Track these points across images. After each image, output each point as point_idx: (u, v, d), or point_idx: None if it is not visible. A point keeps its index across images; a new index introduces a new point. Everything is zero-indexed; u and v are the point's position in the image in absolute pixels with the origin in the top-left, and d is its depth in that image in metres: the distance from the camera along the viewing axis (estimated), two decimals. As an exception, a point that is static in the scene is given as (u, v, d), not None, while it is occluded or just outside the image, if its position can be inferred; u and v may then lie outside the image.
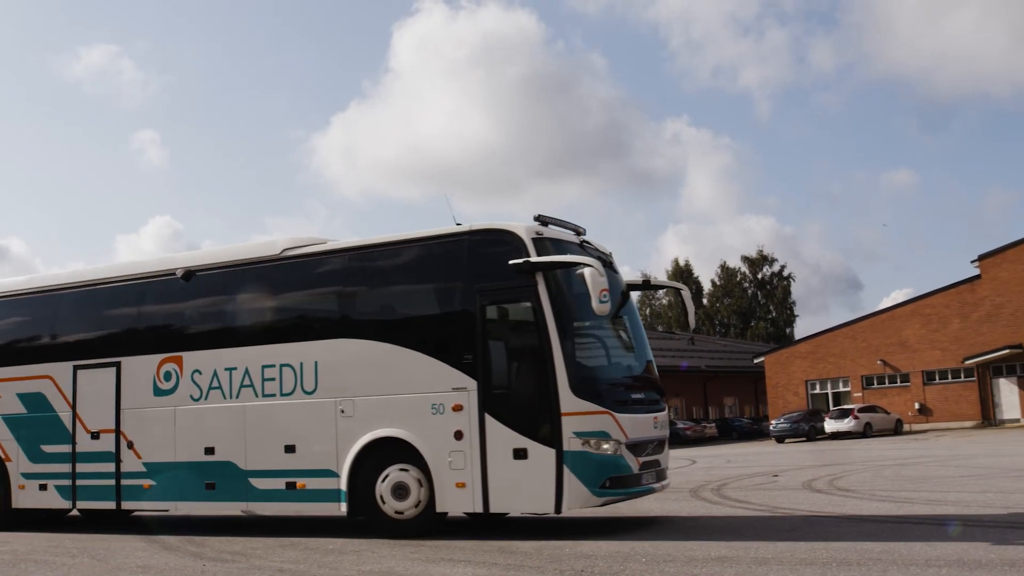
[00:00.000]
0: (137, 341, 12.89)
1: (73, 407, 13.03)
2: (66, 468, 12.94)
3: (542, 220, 10.97)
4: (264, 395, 11.67)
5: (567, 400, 9.91)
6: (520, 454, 10.07)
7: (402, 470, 10.61)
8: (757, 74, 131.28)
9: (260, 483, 11.55)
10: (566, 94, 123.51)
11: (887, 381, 49.29)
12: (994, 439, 32.58)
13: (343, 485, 10.92)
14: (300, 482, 11.26)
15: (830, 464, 22.28)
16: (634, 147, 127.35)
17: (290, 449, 11.38)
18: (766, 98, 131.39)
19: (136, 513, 14.12)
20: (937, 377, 47.74)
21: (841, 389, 50.81)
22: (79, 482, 12.86)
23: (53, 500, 13.08)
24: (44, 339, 13.87)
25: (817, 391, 51.77)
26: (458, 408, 10.43)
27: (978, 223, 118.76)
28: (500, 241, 10.65)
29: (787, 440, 43.72)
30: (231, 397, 11.89)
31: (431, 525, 10.60)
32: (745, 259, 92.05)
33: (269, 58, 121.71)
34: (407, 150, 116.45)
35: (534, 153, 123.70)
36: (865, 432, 42.73)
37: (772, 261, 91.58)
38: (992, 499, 12.28)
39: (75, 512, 13.86)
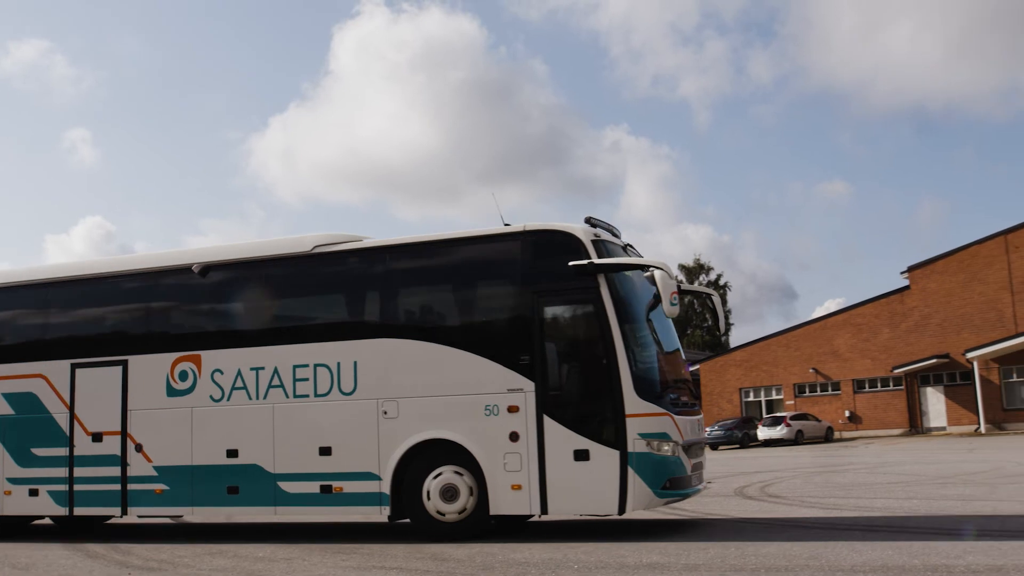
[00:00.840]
0: (147, 339, 12.40)
1: (71, 408, 12.39)
2: (62, 472, 12.30)
3: (591, 222, 10.97)
4: (296, 396, 11.30)
5: (631, 402, 9.95)
6: (581, 455, 10.06)
7: (453, 472, 10.49)
8: (696, 84, 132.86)
9: (290, 487, 11.17)
10: (507, 100, 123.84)
11: (819, 389, 50.18)
12: (920, 447, 33.32)
13: (386, 488, 10.72)
14: (337, 485, 10.96)
15: (762, 471, 22.58)
16: (574, 154, 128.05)
17: (325, 451, 11.05)
18: (705, 108, 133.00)
19: (145, 519, 13.61)
20: (867, 386, 48.70)
21: (774, 397, 51.58)
22: (77, 487, 12.22)
23: (46, 506, 12.42)
24: (37, 336, 13.14)
25: (751, 399, 52.50)
26: (514, 409, 10.36)
27: (910, 234, 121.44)
28: (558, 242, 10.59)
29: (721, 447, 44.25)
30: (258, 398, 11.46)
31: (479, 527, 10.49)
32: (682, 267, 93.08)
33: (206, 57, 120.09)
34: (346, 153, 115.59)
35: (474, 159, 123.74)
36: (797, 439, 43.40)
37: (709, 270, 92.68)
38: (917, 505, 12.54)
39: (47, 520, 13.38)
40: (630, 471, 9.86)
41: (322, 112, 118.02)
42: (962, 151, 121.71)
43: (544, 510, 10.21)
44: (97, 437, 12.22)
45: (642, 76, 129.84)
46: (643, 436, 9.92)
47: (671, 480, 10.15)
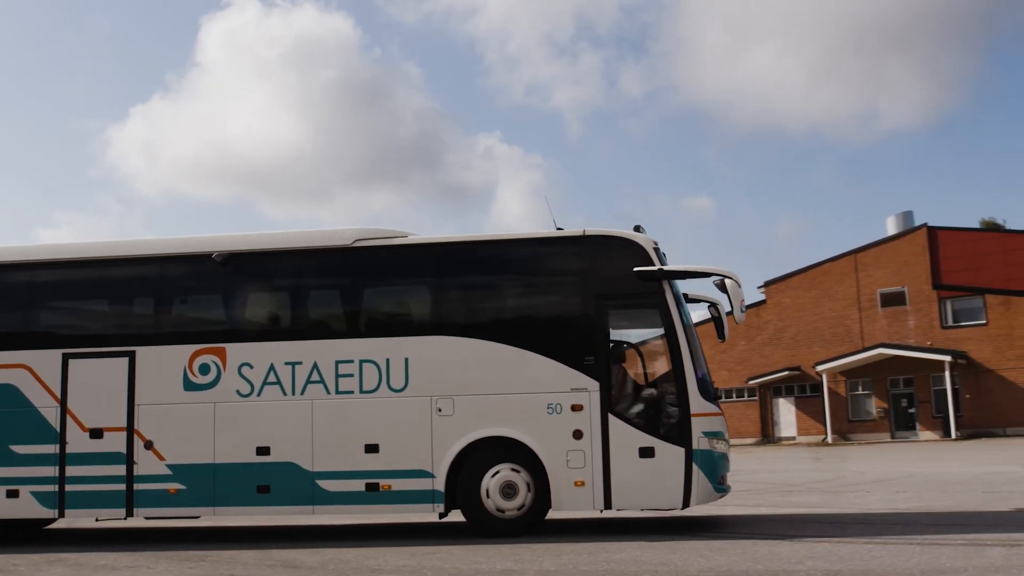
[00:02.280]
0: (160, 329, 11.75)
1: (62, 402, 11.49)
2: (49, 472, 11.36)
3: (639, 229, 11.31)
4: (339, 392, 11.08)
5: (696, 402, 10.57)
6: (647, 453, 10.54)
7: (511, 470, 10.70)
8: (569, 95, 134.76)
9: (331, 485, 10.92)
10: (380, 102, 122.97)
11: (678, 399, 51.43)
12: (771, 456, 34.57)
13: (440, 486, 10.75)
14: (385, 483, 10.83)
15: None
16: (446, 159, 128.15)
17: (372, 449, 10.91)
18: (577, 119, 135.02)
19: (154, 520, 12.54)
20: (723, 396, 50.26)
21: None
22: (69, 487, 11.32)
23: (27, 508, 11.39)
24: (19, 322, 12.08)
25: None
26: (578, 408, 10.69)
27: (769, 251, 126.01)
28: (622, 248, 11.05)
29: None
30: (294, 393, 11.12)
31: (536, 524, 10.76)
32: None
33: (63, 40, 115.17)
34: (212, 148, 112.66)
35: (345, 159, 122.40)
36: (656, 447, 44.34)
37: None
38: (764, 512, 12.97)
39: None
40: (694, 467, 10.47)
41: (187, 105, 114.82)
42: (820, 172, 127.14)
43: (608, 505, 10.61)
44: (96, 433, 11.38)
45: (516, 84, 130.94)
46: (706, 435, 10.57)
47: (722, 476, 10.85)
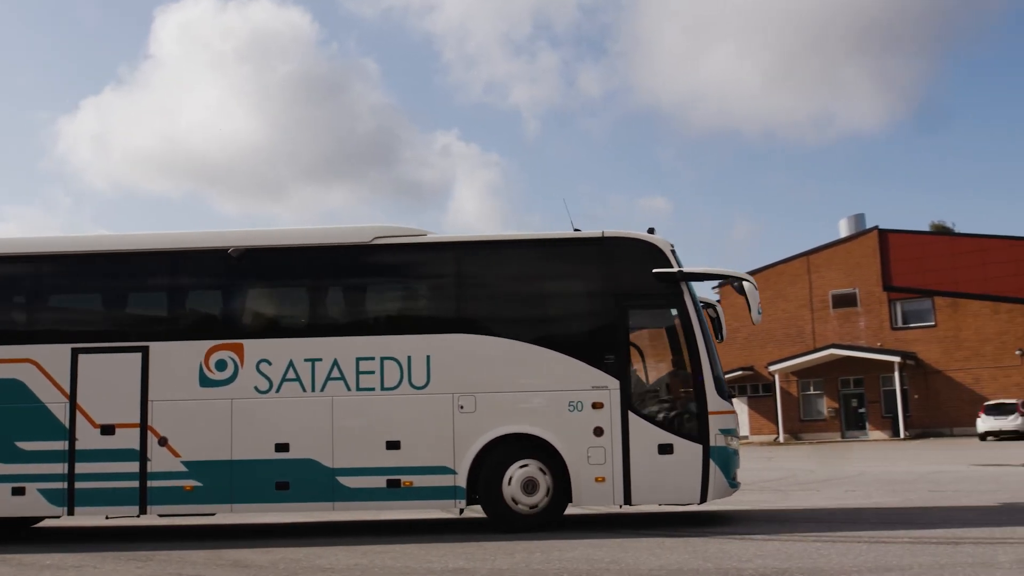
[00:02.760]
0: (174, 325, 11.62)
1: (71, 397, 11.20)
2: (58, 469, 11.08)
3: (652, 231, 11.60)
4: (360, 389, 11.10)
5: (713, 400, 10.91)
6: (665, 449, 10.83)
7: (532, 466, 10.90)
8: (527, 94, 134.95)
9: (351, 481, 10.93)
10: (337, 97, 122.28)
11: (633, 398, 51.70)
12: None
13: (461, 482, 10.88)
14: (406, 479, 10.91)
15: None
16: (403, 157, 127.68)
17: (393, 445, 10.96)
18: (535, 118, 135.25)
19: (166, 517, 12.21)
20: (677, 395, 50.53)
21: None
22: (79, 484, 11.06)
23: (34, 506, 11.12)
24: (26, 315, 11.87)
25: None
26: (599, 406, 10.94)
27: (724, 252, 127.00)
28: (641, 250, 11.35)
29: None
30: (314, 390, 11.11)
31: (555, 519, 10.96)
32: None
33: (13, 30, 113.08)
34: (164, 142, 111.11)
35: (300, 155, 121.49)
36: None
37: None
38: (715, 511, 13.05)
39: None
40: (712, 464, 10.81)
41: (140, 97, 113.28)
42: (775, 174, 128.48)
43: (628, 501, 10.86)
44: (108, 430, 11.14)
45: (474, 82, 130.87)
46: (722, 432, 10.93)
47: (735, 472, 11.26)
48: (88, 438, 11.14)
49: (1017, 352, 44.51)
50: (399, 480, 10.92)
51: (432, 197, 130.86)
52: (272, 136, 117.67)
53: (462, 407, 11.02)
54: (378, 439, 10.99)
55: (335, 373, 11.15)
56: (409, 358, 11.13)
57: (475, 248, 11.76)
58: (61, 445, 11.14)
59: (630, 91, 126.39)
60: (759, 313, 11.22)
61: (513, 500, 10.88)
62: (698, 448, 10.83)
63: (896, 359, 44.84)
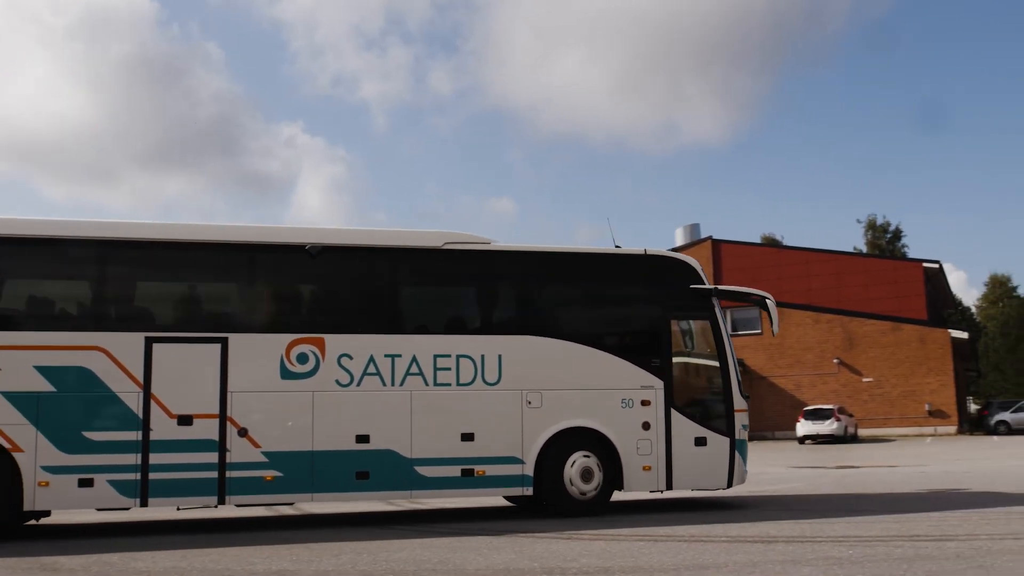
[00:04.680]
0: (255, 317, 11.76)
1: (145, 387, 10.93)
2: (130, 459, 10.78)
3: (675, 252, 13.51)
4: (436, 384, 11.78)
5: (738, 399, 12.67)
6: (700, 442, 12.45)
7: (588, 456, 12.10)
8: (377, 88, 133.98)
9: (428, 471, 11.60)
10: (176, 82, 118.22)
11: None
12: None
13: (529, 471, 11.89)
14: (479, 469, 11.74)
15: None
16: (246, 147, 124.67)
17: (468, 437, 11.77)
18: (384, 113, 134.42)
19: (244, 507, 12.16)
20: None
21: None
22: (153, 475, 10.81)
23: (104, 497, 10.75)
24: (98, 302, 11.40)
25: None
26: (646, 403, 12.37)
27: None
28: (680, 268, 12.96)
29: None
30: (393, 384, 11.67)
31: (604, 505, 12.21)
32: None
33: None
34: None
35: (135, 140, 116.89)
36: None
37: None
38: (538, 514, 13.24)
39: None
40: (736, 454, 12.56)
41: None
42: (619, 181, 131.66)
43: (669, 487, 12.37)
44: (185, 420, 11.00)
45: (322, 74, 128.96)
46: (744, 427, 12.67)
47: (746, 462, 12.84)
48: (163, 428, 10.98)
49: (835, 360, 47.04)
50: (473, 470, 11.76)
51: (275, 190, 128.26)
52: (104, 118, 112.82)
53: (530, 402, 12.04)
54: (454, 431, 11.76)
55: (414, 369, 11.77)
56: (482, 356, 11.98)
57: (539, 258, 12.72)
58: (134, 435, 10.90)
59: (480, 91, 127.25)
60: (776, 326, 13.06)
61: (573, 487, 12.03)
62: (726, 441, 12.53)
63: (725, 365, 46.51)
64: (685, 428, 12.43)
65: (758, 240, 76.06)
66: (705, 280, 12.96)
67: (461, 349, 11.94)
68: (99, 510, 11.45)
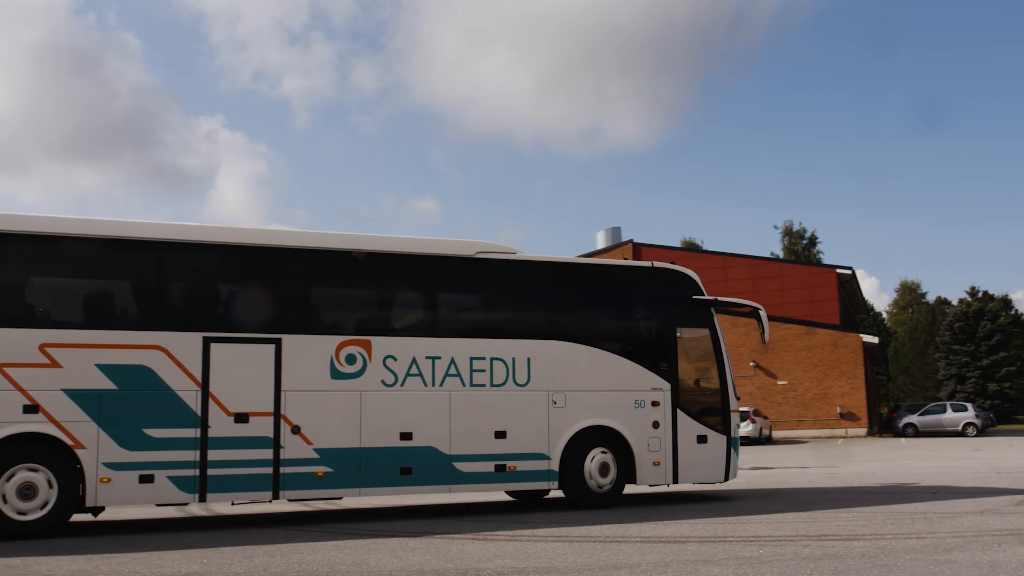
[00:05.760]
0: (306, 319, 12.12)
1: (203, 385, 11.21)
2: (190, 456, 11.08)
3: (674, 263, 14.54)
4: (472, 385, 12.48)
5: (732, 401, 13.91)
6: (702, 439, 13.64)
7: (605, 452, 13.12)
8: (299, 84, 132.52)
9: (465, 467, 12.32)
10: (91, 71, 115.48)
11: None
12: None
13: (555, 466, 12.82)
14: (511, 464, 12.58)
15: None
16: (163, 140, 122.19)
17: (500, 435, 12.54)
18: (306, 110, 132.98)
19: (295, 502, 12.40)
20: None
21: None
22: (211, 471, 11.16)
23: (164, 493, 11.02)
24: (158, 302, 11.58)
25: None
26: (656, 404, 13.47)
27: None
28: (683, 280, 14.14)
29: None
30: (434, 385, 12.30)
31: (619, 497, 13.28)
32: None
33: None
34: None
35: (47, 130, 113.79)
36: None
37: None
38: (463, 514, 13.23)
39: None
40: (732, 451, 13.82)
41: None
42: (543, 182, 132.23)
43: (675, 481, 13.49)
44: (241, 418, 11.36)
45: (244, 68, 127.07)
46: (737, 426, 13.92)
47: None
48: (221, 426, 11.28)
49: (751, 364, 47.92)
50: (505, 465, 12.57)
51: (193, 185, 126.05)
52: (13, 108, 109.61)
53: (555, 402, 12.92)
54: (488, 429, 12.51)
55: (452, 370, 12.45)
56: (513, 359, 12.77)
57: (561, 268, 13.71)
58: (193, 432, 11.16)
59: (405, 89, 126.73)
60: (767, 335, 14.51)
61: (592, 480, 13.02)
62: (724, 439, 13.79)
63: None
64: (689, 427, 13.58)
65: (678, 244, 77.22)
66: (705, 292, 14.20)
67: (494, 352, 12.69)
68: (158, 506, 12.17)
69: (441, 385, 12.34)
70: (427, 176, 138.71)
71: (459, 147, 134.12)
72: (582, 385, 13.10)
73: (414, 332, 12.59)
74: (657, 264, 14.20)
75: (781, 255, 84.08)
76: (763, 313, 14.43)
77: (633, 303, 14.00)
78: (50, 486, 10.60)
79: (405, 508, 13.96)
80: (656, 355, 13.64)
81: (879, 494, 14.68)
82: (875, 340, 48.64)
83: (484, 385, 12.56)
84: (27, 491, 10.50)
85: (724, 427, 13.80)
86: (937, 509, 12.19)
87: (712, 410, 13.88)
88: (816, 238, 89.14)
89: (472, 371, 12.53)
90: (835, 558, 8.21)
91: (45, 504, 10.58)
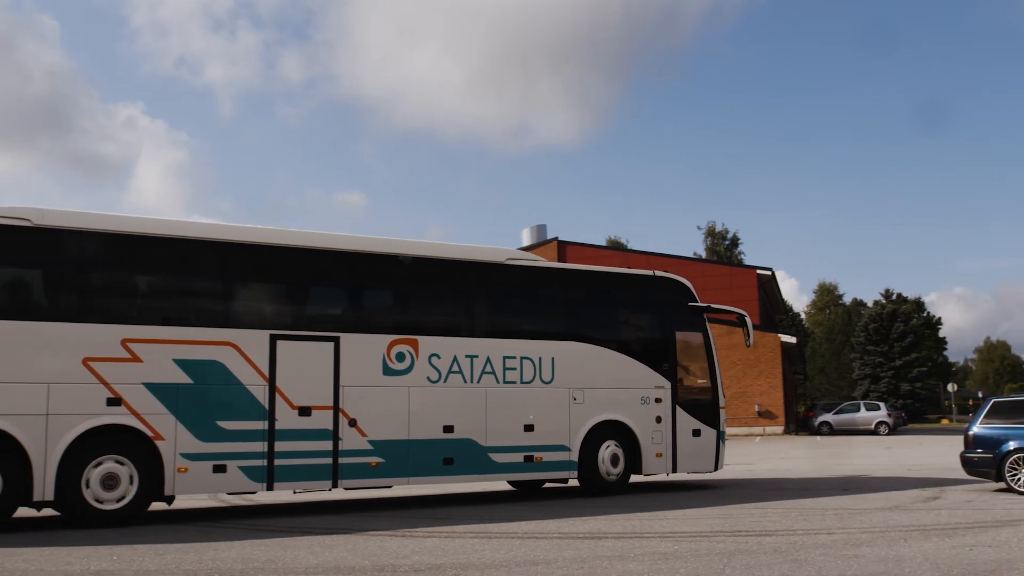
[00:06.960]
0: (362, 319, 12.91)
1: (271, 380, 11.81)
2: (259, 447, 11.67)
3: (665, 271, 15.93)
4: (505, 382, 13.52)
5: (721, 398, 15.49)
6: (696, 433, 15.14)
7: (615, 444, 14.39)
8: (224, 73, 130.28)
9: (499, 457, 13.34)
10: (5, 54, 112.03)
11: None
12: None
13: (575, 457, 14.01)
14: (538, 455, 13.66)
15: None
16: (81, 126, 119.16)
17: (529, 428, 13.63)
18: (230, 99, 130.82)
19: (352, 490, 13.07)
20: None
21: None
22: (278, 462, 11.76)
23: (235, 483, 11.59)
24: (229, 301, 12.11)
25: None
26: (659, 400, 14.88)
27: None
28: (680, 288, 15.59)
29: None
30: (472, 381, 13.29)
31: (626, 485, 14.57)
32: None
33: None
34: None
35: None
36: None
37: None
38: (381, 510, 13.18)
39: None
40: (720, 444, 15.38)
41: None
42: (471, 179, 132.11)
43: (674, 471, 14.90)
44: (305, 411, 12.01)
45: (166, 54, 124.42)
46: (725, 420, 15.44)
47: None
48: (287, 419, 11.89)
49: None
50: (533, 456, 13.64)
51: (111, 173, 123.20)
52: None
53: (575, 399, 14.09)
54: (518, 423, 13.56)
55: (488, 368, 13.45)
56: (539, 359, 13.88)
57: (580, 275, 15.31)
58: (261, 425, 11.74)
59: (332, 81, 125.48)
60: (752, 339, 16.07)
61: (604, 471, 14.21)
62: (714, 432, 15.34)
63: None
64: (686, 421, 15.03)
65: (604, 243, 77.81)
66: (698, 299, 15.62)
67: (524, 352, 13.77)
68: (229, 494, 13.09)
69: (478, 382, 13.33)
70: (354, 169, 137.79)
71: (387, 141, 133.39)
72: (597, 383, 14.31)
73: (455, 332, 13.43)
74: (658, 273, 15.65)
75: (704, 255, 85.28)
76: (748, 319, 16.03)
77: (640, 308, 15.40)
78: (131, 481, 10.99)
79: (324, 504, 13.85)
80: (659, 356, 15.01)
81: (793, 490, 15.01)
82: (793, 340, 49.61)
83: (515, 382, 13.63)
84: (110, 481, 10.88)
85: (715, 421, 15.33)
86: (848, 505, 12.51)
87: (705, 406, 15.33)
88: (738, 239, 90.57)
89: (505, 369, 13.57)
90: (748, 553, 8.37)
91: (122, 498, 10.94)
